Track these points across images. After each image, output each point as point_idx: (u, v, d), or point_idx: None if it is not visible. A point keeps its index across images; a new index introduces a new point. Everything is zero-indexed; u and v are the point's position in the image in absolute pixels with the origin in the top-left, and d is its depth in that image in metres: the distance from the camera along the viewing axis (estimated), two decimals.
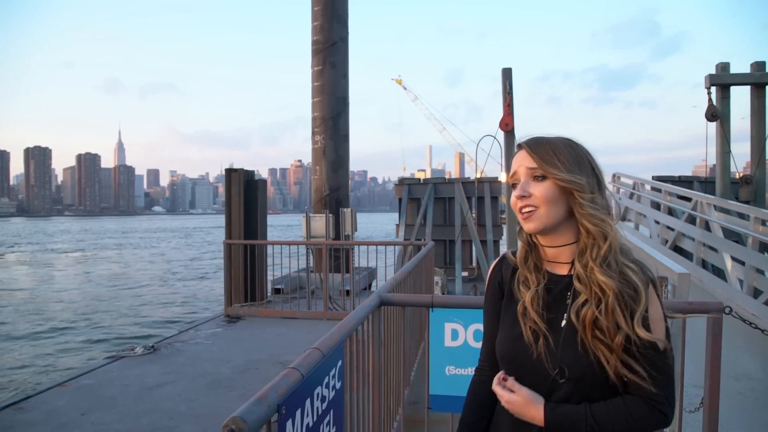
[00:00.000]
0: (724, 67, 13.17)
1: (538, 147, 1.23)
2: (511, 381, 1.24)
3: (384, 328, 2.88)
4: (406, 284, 4.41)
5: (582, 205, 1.19)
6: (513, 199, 1.25)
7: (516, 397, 1.22)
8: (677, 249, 10.12)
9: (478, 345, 2.68)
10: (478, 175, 17.91)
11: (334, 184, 13.79)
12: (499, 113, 12.29)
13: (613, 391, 1.17)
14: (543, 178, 1.21)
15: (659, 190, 11.64)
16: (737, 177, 14.26)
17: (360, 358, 2.38)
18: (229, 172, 9.61)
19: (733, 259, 7.99)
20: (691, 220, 9.76)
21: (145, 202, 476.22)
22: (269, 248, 9.30)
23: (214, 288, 23.97)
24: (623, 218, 12.59)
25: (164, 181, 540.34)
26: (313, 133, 14.03)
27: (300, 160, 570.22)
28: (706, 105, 13.09)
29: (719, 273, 8.50)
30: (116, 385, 5.19)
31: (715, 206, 9.27)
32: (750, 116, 13.33)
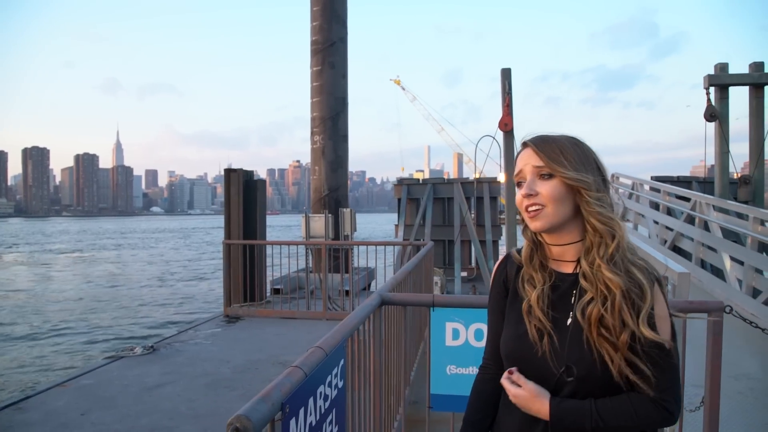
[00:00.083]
0: (722, 67, 13.21)
1: (545, 145, 1.23)
2: (516, 375, 1.24)
3: (385, 327, 2.88)
4: (407, 284, 4.41)
5: (590, 204, 1.19)
6: (519, 197, 1.25)
7: (522, 392, 1.22)
8: (676, 249, 10.13)
9: (479, 344, 2.71)
10: (477, 176, 17.94)
11: (333, 184, 13.79)
12: (498, 114, 12.30)
13: (617, 389, 1.17)
14: (550, 176, 1.21)
15: (658, 191, 11.66)
16: (735, 177, 14.30)
17: (361, 357, 2.38)
18: (229, 172, 9.60)
19: (732, 259, 8.00)
20: (690, 220, 9.77)
21: (144, 202, 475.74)
22: (268, 248, 9.29)
23: (214, 288, 23.96)
24: (622, 218, 12.60)
25: (162, 181, 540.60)
26: (312, 133, 14.03)
27: (298, 161, 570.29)
28: (703, 105, 13.13)
29: (718, 273, 8.51)
30: (116, 385, 5.17)
31: (714, 206, 9.29)
32: (748, 116, 13.37)
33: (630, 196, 12.92)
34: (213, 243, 62.56)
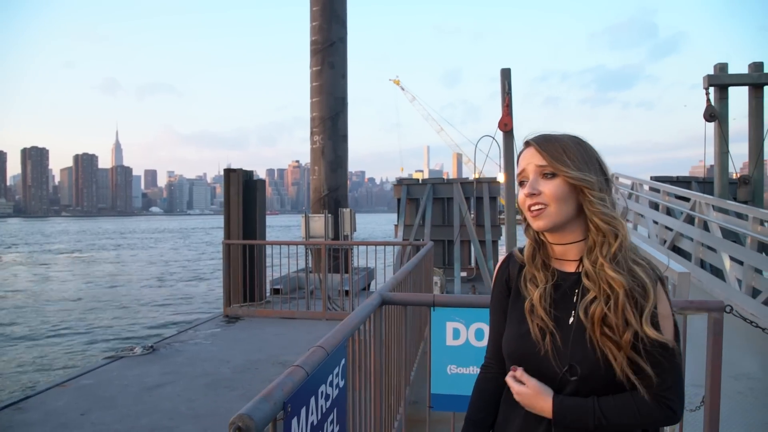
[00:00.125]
0: (722, 67, 13.22)
1: (548, 144, 1.23)
2: (520, 372, 1.25)
3: (385, 327, 2.88)
4: (407, 284, 4.41)
5: (592, 203, 1.19)
6: (521, 196, 1.25)
7: (525, 389, 1.22)
8: (676, 249, 10.14)
9: (480, 344, 2.70)
10: (476, 176, 17.95)
11: (332, 184, 13.79)
12: (497, 114, 12.32)
13: (620, 388, 1.17)
14: (553, 175, 1.21)
15: (657, 191, 11.66)
16: (735, 177, 14.32)
17: (361, 357, 2.38)
18: (228, 172, 9.60)
19: (732, 258, 8.00)
20: (690, 220, 9.78)
21: (143, 202, 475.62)
22: (268, 248, 9.29)
23: (213, 288, 23.96)
24: (623, 217, 12.61)
25: (162, 181, 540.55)
26: (312, 133, 14.03)
27: (297, 161, 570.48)
28: (702, 105, 13.14)
29: (717, 273, 8.51)
30: (115, 385, 5.17)
31: (713, 206, 9.29)
32: (748, 117, 13.39)
33: (629, 196, 12.93)
34: (212, 243, 62.52)
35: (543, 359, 1.21)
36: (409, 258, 8.78)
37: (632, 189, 12.93)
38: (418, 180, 19.75)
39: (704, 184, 15.76)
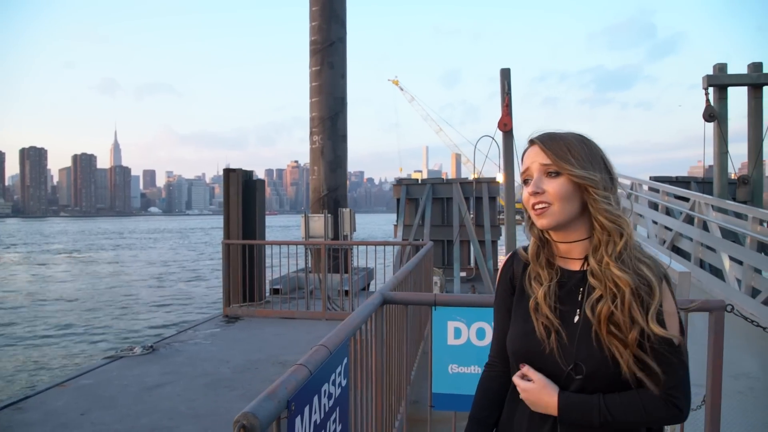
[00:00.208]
0: (721, 68, 13.24)
1: (552, 143, 1.23)
2: (527, 368, 1.25)
3: (386, 326, 2.88)
4: (407, 283, 4.41)
5: (597, 201, 1.19)
6: (525, 195, 1.25)
7: (531, 384, 1.22)
8: (675, 249, 10.14)
9: (481, 343, 2.70)
10: (475, 176, 17.96)
11: (332, 184, 13.78)
12: (496, 114, 12.33)
13: (625, 387, 1.17)
14: (557, 174, 1.21)
15: (657, 191, 11.67)
16: (733, 177, 14.34)
17: (363, 356, 2.38)
18: (228, 172, 9.59)
19: (731, 258, 8.01)
20: (689, 220, 9.78)
21: (142, 202, 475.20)
22: (267, 248, 9.28)
23: (213, 288, 23.93)
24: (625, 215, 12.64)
25: (160, 181, 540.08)
26: (311, 133, 14.02)
27: (296, 161, 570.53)
28: (700, 105, 13.16)
29: (717, 273, 8.52)
30: (115, 385, 5.17)
31: (713, 206, 9.29)
32: (747, 117, 13.41)
33: (629, 196, 12.94)
34: (211, 243, 62.48)
35: (548, 357, 1.21)
36: (408, 258, 8.77)
37: (631, 189, 12.94)
38: (417, 180, 19.75)
39: (703, 184, 15.79)
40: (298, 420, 1.35)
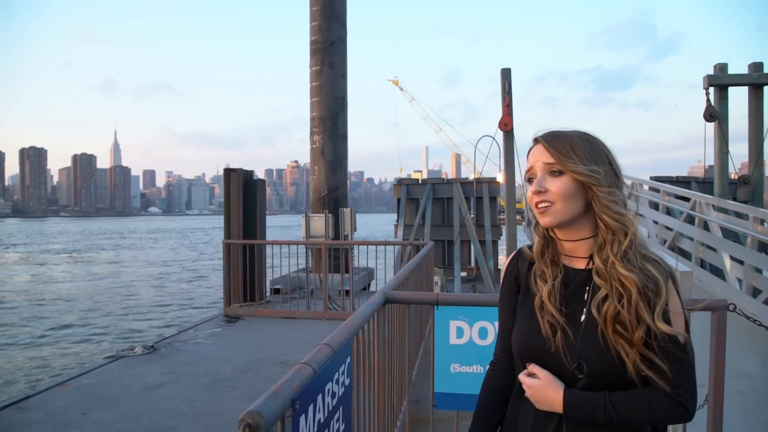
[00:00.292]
0: (722, 68, 13.24)
1: (555, 141, 1.23)
2: (533, 365, 1.25)
3: (388, 326, 2.88)
4: (408, 283, 4.41)
5: (601, 200, 1.19)
6: (529, 194, 1.25)
7: (537, 381, 1.22)
8: (676, 249, 10.14)
9: (484, 343, 2.70)
10: (475, 176, 17.96)
11: (332, 184, 13.78)
12: (496, 114, 12.34)
13: (631, 386, 1.17)
14: (560, 173, 1.21)
15: (657, 191, 11.66)
16: (734, 177, 14.33)
17: (365, 355, 2.38)
18: (228, 171, 9.58)
19: (732, 258, 8.01)
20: (690, 220, 9.78)
21: (141, 202, 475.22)
22: (268, 248, 9.28)
23: (213, 288, 23.93)
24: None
25: (160, 181, 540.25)
26: (312, 133, 14.02)
27: (296, 161, 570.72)
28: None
29: (718, 272, 8.52)
30: (116, 384, 5.16)
31: (713, 206, 9.29)
32: (748, 117, 13.41)
33: (629, 196, 12.92)
34: (212, 243, 62.49)
35: (553, 355, 1.21)
36: (409, 258, 8.77)
37: (632, 189, 12.93)
38: (417, 180, 19.74)
39: (704, 184, 15.78)
40: (302, 419, 1.34)
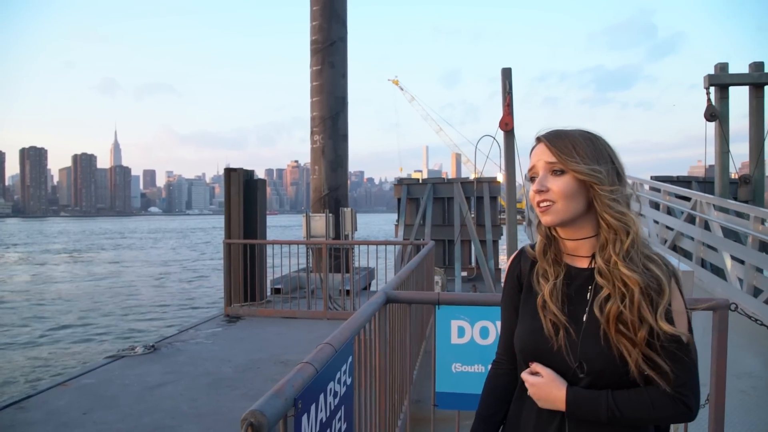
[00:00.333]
0: (722, 67, 13.22)
1: (557, 140, 1.23)
2: (536, 364, 1.25)
3: (389, 325, 2.88)
4: (409, 283, 4.41)
5: (602, 198, 1.19)
6: (531, 193, 1.25)
7: (539, 379, 1.22)
8: (676, 248, 10.13)
9: (485, 342, 2.70)
10: (475, 176, 17.94)
11: (333, 183, 13.78)
12: (496, 114, 12.35)
13: (633, 385, 1.17)
14: (561, 172, 1.21)
15: (658, 190, 11.66)
16: (734, 177, 14.32)
17: (366, 355, 2.38)
18: (229, 171, 9.58)
19: (733, 258, 8.00)
20: (691, 219, 9.77)
21: (142, 202, 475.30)
22: (269, 248, 9.28)
23: (214, 288, 23.92)
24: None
25: (161, 181, 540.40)
26: (312, 133, 14.01)
27: (296, 161, 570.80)
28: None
29: (718, 272, 8.51)
30: (117, 384, 5.16)
31: (714, 205, 9.28)
32: (748, 116, 13.40)
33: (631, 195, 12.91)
34: (212, 243, 62.49)
35: (556, 354, 1.21)
36: (409, 258, 8.77)
37: (633, 189, 12.91)
38: (418, 180, 19.73)
39: (704, 184, 15.76)
40: (304, 418, 1.34)
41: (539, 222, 1.28)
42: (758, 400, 4.32)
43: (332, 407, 1.62)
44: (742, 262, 7.76)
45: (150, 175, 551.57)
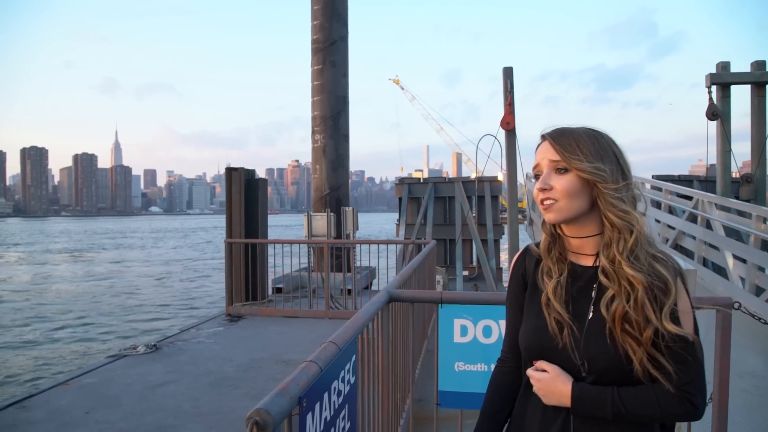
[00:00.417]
0: (724, 66, 13.20)
1: (561, 138, 1.23)
2: (541, 361, 1.25)
3: (392, 324, 2.88)
4: (411, 282, 4.40)
5: (605, 197, 1.19)
6: (535, 190, 1.25)
7: (545, 375, 1.22)
8: (678, 247, 10.13)
9: (488, 341, 2.70)
10: (476, 175, 17.93)
11: (334, 183, 13.77)
12: (497, 113, 12.33)
13: (638, 384, 1.16)
14: (565, 170, 1.21)
15: (659, 189, 11.65)
16: (736, 176, 14.30)
17: (369, 354, 2.37)
18: (230, 170, 9.58)
19: (735, 257, 7.99)
20: (692, 218, 9.76)
21: (142, 202, 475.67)
22: (270, 247, 9.27)
23: (215, 287, 23.94)
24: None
25: (161, 181, 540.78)
26: (313, 132, 14.01)
27: (297, 161, 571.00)
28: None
29: (720, 271, 8.50)
30: (119, 383, 5.17)
31: (716, 204, 9.27)
32: (750, 115, 13.38)
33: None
34: (213, 242, 62.53)
35: (561, 352, 1.21)
36: (411, 257, 8.77)
37: (638, 188, 12.89)
38: (419, 179, 19.72)
39: (706, 183, 15.74)
40: (309, 417, 1.34)
41: (544, 220, 1.28)
42: (761, 399, 4.32)
43: (336, 406, 1.61)
44: (744, 261, 7.76)
45: (151, 174, 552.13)
